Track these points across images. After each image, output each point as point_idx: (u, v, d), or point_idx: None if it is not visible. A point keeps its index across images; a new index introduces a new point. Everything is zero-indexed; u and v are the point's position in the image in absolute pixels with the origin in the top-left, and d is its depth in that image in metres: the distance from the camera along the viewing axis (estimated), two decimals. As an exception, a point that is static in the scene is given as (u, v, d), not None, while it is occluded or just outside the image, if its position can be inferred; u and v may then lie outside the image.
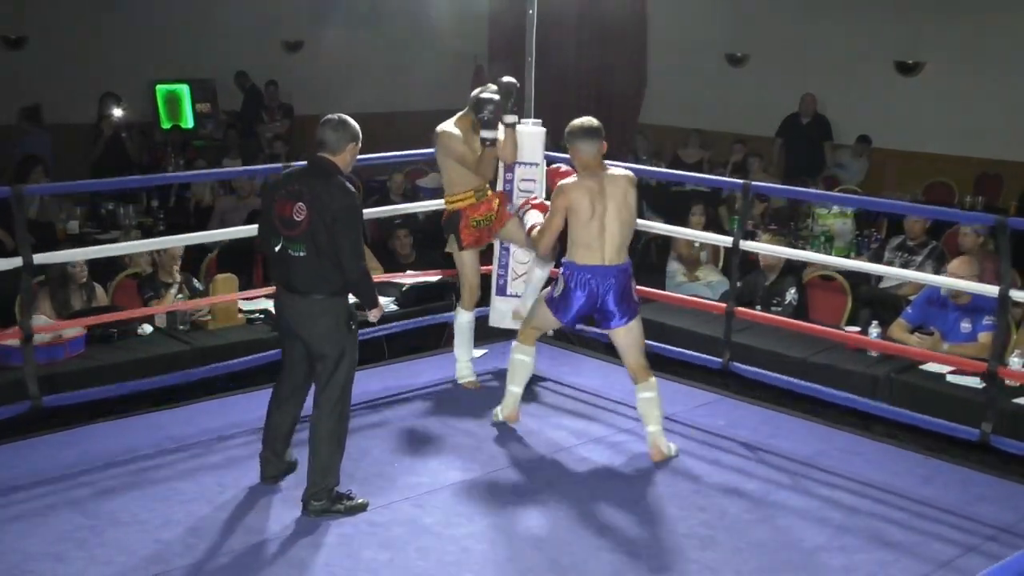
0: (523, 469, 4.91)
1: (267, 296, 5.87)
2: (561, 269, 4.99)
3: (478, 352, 6.42)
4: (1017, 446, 4.74)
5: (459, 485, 4.71)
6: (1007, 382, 5.20)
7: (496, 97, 5.56)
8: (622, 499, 4.62)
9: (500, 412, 5.40)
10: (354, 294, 4.40)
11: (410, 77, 13.59)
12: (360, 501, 4.43)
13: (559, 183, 4.96)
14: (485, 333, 6.63)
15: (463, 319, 5.89)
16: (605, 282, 4.86)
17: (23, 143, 10.00)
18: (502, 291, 6.37)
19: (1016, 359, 5.23)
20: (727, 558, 4.10)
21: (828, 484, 4.80)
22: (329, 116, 4.35)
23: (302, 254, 4.23)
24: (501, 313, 6.41)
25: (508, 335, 6.55)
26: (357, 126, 4.36)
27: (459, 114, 5.75)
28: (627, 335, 4.97)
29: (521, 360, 5.32)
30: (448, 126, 5.69)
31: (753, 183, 6.07)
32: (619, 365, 6.29)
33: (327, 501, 4.33)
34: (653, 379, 4.99)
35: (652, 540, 4.27)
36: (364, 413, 5.49)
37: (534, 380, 6.09)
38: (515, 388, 5.35)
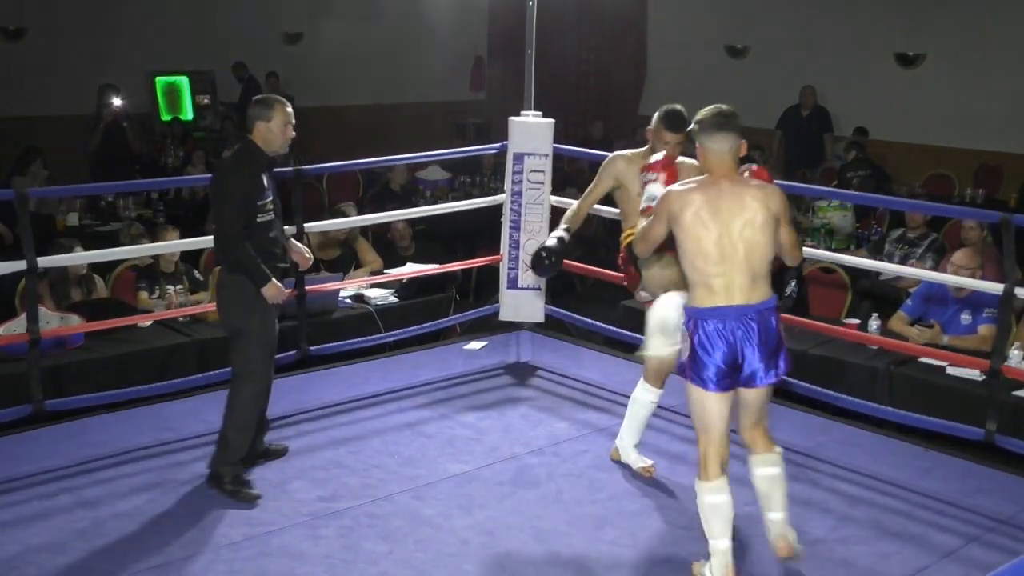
0: (523, 461, 4.92)
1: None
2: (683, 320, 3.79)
3: (478, 344, 6.44)
4: (1021, 445, 4.74)
5: (459, 477, 4.72)
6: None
7: None
8: (622, 490, 4.62)
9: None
10: (235, 266, 4.37)
11: (410, 69, 13.60)
12: (252, 492, 4.41)
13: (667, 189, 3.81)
14: (489, 325, 6.65)
15: (645, 396, 4.73)
16: (740, 328, 3.63)
17: None
18: (513, 284, 6.36)
19: (1016, 351, 5.22)
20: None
21: (828, 475, 4.81)
22: None
23: (213, 226, 4.47)
24: (511, 307, 6.40)
25: (514, 327, 6.56)
26: (276, 104, 4.41)
27: (642, 149, 4.70)
28: (763, 395, 3.79)
29: (711, 502, 3.81)
30: (626, 155, 4.75)
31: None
32: (620, 357, 6.33)
33: (224, 477, 4.40)
34: (779, 450, 3.89)
35: (652, 531, 4.27)
36: (365, 405, 5.50)
37: (534, 371, 6.11)
38: (717, 542, 3.80)
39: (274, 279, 4.39)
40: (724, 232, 3.58)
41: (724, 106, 3.80)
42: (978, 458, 4.97)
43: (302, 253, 4.81)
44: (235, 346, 4.45)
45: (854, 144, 10.61)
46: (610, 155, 4.80)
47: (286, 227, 5.61)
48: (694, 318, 3.64)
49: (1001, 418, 4.78)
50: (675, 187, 3.74)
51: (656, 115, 4.50)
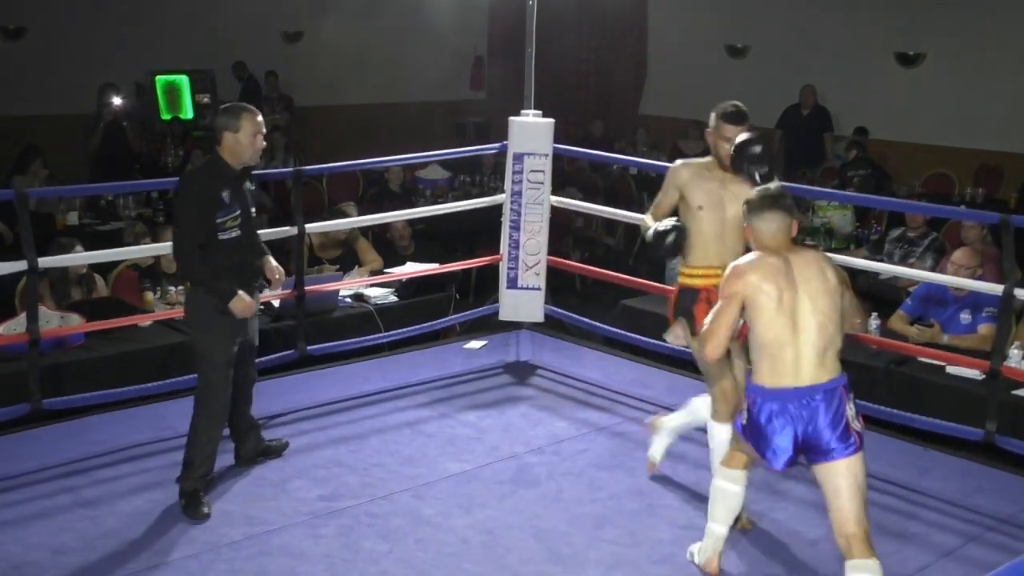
0: (523, 460, 4.92)
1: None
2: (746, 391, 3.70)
3: (478, 344, 6.44)
4: (1021, 445, 4.74)
5: (459, 476, 4.72)
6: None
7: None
8: (622, 489, 4.62)
9: (697, 555, 3.99)
10: (193, 285, 4.29)
11: (410, 69, 13.59)
12: (202, 510, 4.24)
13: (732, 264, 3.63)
14: (489, 325, 6.65)
15: (720, 435, 4.19)
16: (808, 408, 3.47)
17: None
18: (513, 284, 6.36)
19: (1016, 351, 5.22)
20: (727, 549, 4.10)
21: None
22: None
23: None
24: (510, 307, 6.40)
25: (514, 327, 6.57)
26: (244, 113, 4.22)
27: (706, 160, 4.36)
28: (847, 472, 3.45)
29: (723, 488, 3.85)
30: (692, 165, 4.38)
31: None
32: (620, 356, 6.34)
33: (183, 491, 4.31)
34: (876, 561, 3.41)
35: (652, 530, 4.27)
36: (363, 405, 5.50)
37: (533, 370, 6.11)
38: (716, 526, 3.88)
39: (241, 292, 4.24)
40: (795, 300, 3.50)
41: (772, 186, 3.70)
42: (978, 458, 4.97)
43: (274, 272, 4.55)
44: (197, 362, 4.40)
45: (855, 143, 10.61)
46: (674, 164, 4.41)
47: (286, 228, 5.64)
48: (757, 395, 3.55)
49: (1001, 418, 4.78)
50: (741, 260, 3.62)
51: (712, 114, 4.23)
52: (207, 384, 4.34)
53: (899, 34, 11.91)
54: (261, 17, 12.72)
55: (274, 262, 4.59)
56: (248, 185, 4.38)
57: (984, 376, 4.98)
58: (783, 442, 3.49)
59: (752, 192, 3.69)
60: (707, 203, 4.20)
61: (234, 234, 4.25)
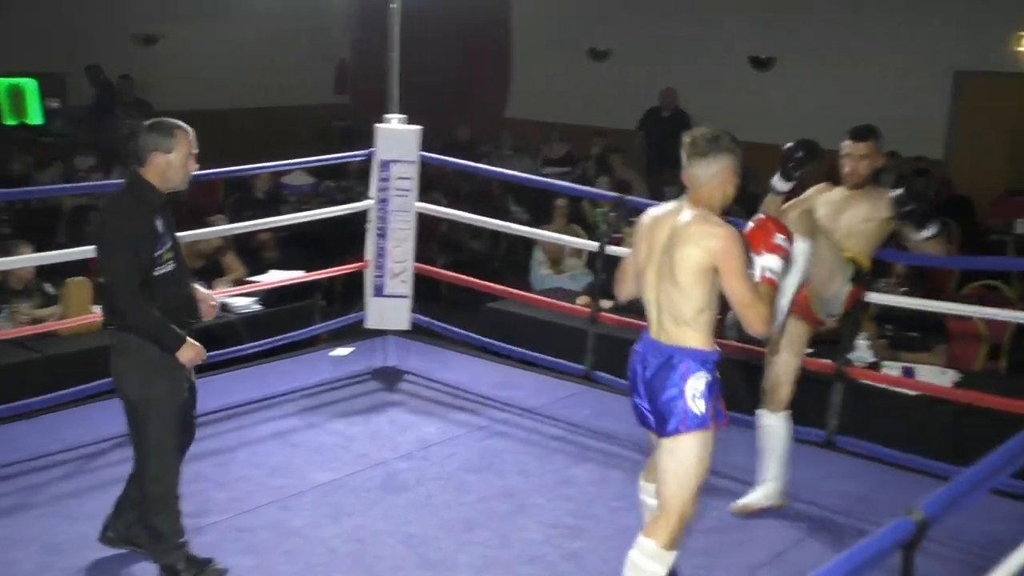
0: (391, 466, 4.89)
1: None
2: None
3: (344, 351, 6.38)
4: (863, 446, 4.94)
5: (327, 485, 4.67)
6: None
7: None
8: (492, 492, 4.65)
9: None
10: (138, 333, 3.64)
11: (271, 72, 13.38)
12: (218, 568, 3.85)
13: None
14: (356, 332, 6.59)
15: (779, 427, 4.42)
16: (645, 361, 3.43)
17: None
18: (379, 291, 6.31)
19: (863, 341, 5.44)
20: (594, 546, 4.17)
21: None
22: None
23: (101, 280, 3.80)
24: (376, 315, 6.37)
25: (380, 333, 6.53)
26: (178, 132, 3.71)
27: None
28: (667, 454, 3.39)
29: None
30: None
31: (627, 198, 6.15)
32: (486, 359, 6.37)
33: (176, 566, 3.77)
34: (651, 542, 3.33)
35: (522, 531, 4.30)
36: (230, 416, 5.38)
37: (401, 376, 6.10)
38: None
39: (189, 339, 3.70)
40: (651, 260, 3.42)
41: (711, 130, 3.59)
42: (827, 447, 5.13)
43: (207, 301, 3.96)
44: (138, 419, 3.70)
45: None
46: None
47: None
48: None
49: (845, 409, 4.96)
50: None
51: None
52: (156, 437, 3.69)
53: (753, 38, 12.32)
54: (114, 19, 12.32)
55: (204, 290, 4.08)
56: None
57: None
58: (634, 394, 3.45)
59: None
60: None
61: (170, 267, 3.69)
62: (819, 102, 11.70)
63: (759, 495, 4.45)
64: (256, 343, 6.02)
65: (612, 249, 5.96)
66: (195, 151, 3.77)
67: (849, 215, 4.39)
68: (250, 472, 4.77)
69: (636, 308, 3.79)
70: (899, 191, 4.31)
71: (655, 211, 3.53)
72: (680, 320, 3.32)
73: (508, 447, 5.13)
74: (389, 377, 6.10)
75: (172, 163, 3.67)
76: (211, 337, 5.94)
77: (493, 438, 5.25)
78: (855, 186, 4.40)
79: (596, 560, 4.07)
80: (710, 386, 3.33)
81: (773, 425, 4.41)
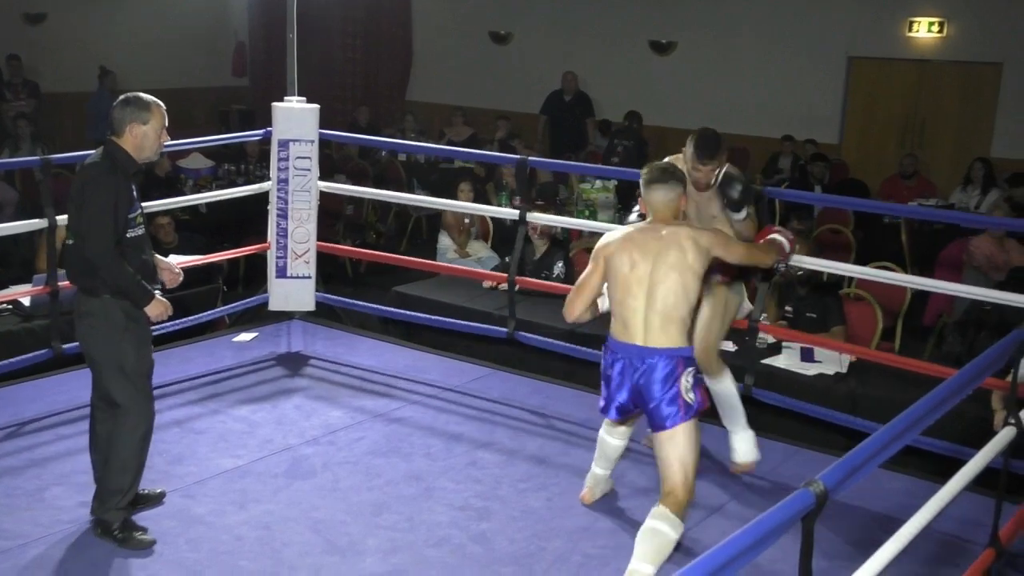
0: (298, 451, 4.84)
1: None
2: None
3: (248, 336, 6.30)
4: (775, 397, 5.10)
5: (231, 472, 4.59)
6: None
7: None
8: (399, 475, 4.63)
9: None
10: (114, 289, 3.89)
11: (166, 54, 13.06)
12: (146, 538, 3.96)
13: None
14: (260, 316, 6.50)
15: (726, 387, 4.71)
16: (644, 365, 3.78)
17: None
18: (282, 273, 6.24)
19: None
20: (502, 527, 4.19)
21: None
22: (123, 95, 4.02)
23: (70, 242, 3.97)
24: (280, 296, 6.29)
25: (285, 317, 6.46)
26: (153, 106, 3.95)
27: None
28: (667, 443, 3.78)
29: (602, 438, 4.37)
30: None
31: (529, 159, 6.21)
32: (394, 343, 6.37)
33: (111, 524, 3.95)
34: (678, 519, 3.69)
35: (429, 513, 4.30)
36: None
37: (306, 361, 6.04)
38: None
39: (157, 294, 3.98)
40: (648, 272, 3.79)
41: (664, 162, 4.11)
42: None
43: (171, 269, 4.30)
44: (108, 378, 3.93)
45: (631, 116, 11.04)
46: None
47: (35, 220, 5.33)
48: (606, 347, 3.91)
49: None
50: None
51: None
52: (128, 396, 3.93)
53: (653, 23, 12.47)
54: (-2, -3, 11.90)
55: (165, 260, 4.34)
56: None
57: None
58: (620, 393, 3.85)
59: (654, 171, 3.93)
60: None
61: (140, 231, 3.99)
62: (717, 87, 11.94)
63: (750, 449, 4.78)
64: (156, 326, 5.87)
65: (534, 216, 5.98)
66: (166, 124, 4.02)
67: (706, 214, 4.59)
68: (152, 460, 4.59)
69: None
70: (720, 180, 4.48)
71: (625, 230, 3.95)
72: (671, 320, 3.73)
73: (415, 430, 5.11)
74: (294, 362, 6.03)
75: (147, 135, 3.93)
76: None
77: (400, 422, 5.24)
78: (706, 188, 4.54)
79: (504, 541, 4.09)
80: (696, 378, 3.80)
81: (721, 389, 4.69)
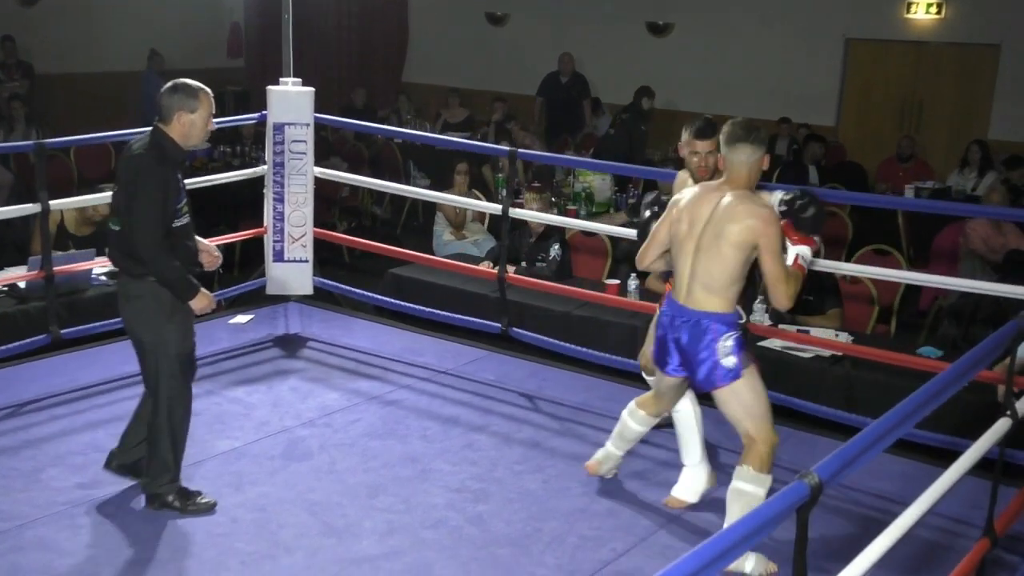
0: (294, 433, 4.85)
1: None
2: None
3: (244, 318, 6.29)
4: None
5: (228, 454, 4.60)
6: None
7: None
8: (395, 457, 4.64)
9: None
10: (158, 280, 3.91)
11: (162, 35, 12.98)
12: (207, 501, 4.11)
13: None
14: (257, 299, 6.49)
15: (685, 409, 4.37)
16: (674, 322, 3.85)
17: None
18: (279, 257, 6.24)
19: (759, 305, 5.56)
20: (498, 509, 4.20)
21: (595, 429, 4.97)
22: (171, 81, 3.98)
23: (116, 228, 3.97)
24: (278, 281, 6.28)
25: (281, 300, 6.45)
26: (200, 93, 3.93)
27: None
28: (723, 403, 3.85)
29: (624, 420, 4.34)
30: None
31: (520, 151, 6.19)
32: (390, 325, 6.36)
33: (166, 496, 4.06)
34: (760, 474, 3.73)
35: (425, 495, 4.31)
36: (127, 384, 5.23)
37: (303, 343, 6.04)
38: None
39: (202, 287, 4.00)
40: (698, 234, 3.78)
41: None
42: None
43: (210, 252, 4.28)
44: (150, 360, 3.99)
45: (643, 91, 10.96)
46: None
47: (29, 204, 5.32)
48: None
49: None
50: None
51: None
52: (169, 378, 3.99)
53: (650, 5, 12.42)
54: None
55: (204, 242, 4.30)
56: None
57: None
58: (667, 345, 3.87)
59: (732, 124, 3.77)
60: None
61: (186, 220, 3.98)
62: (714, 69, 11.90)
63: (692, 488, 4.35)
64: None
65: (516, 212, 6.00)
66: (214, 112, 4.03)
67: None
68: (148, 443, 4.67)
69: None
70: None
71: (694, 189, 3.89)
72: (711, 289, 3.73)
73: (411, 412, 5.12)
74: (291, 344, 6.03)
75: (195, 123, 3.92)
76: (109, 304, 5.86)
77: (396, 404, 5.24)
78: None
79: (500, 523, 4.10)
80: (738, 340, 3.75)
81: (683, 411, 4.37)
